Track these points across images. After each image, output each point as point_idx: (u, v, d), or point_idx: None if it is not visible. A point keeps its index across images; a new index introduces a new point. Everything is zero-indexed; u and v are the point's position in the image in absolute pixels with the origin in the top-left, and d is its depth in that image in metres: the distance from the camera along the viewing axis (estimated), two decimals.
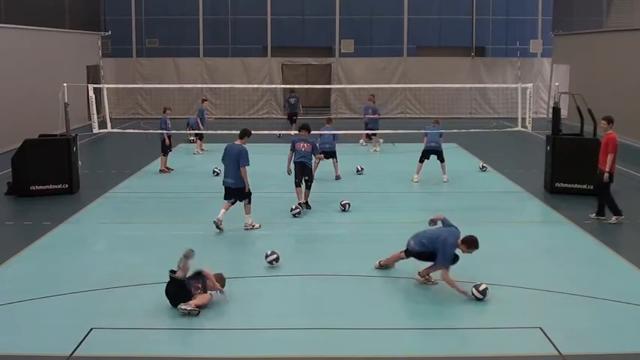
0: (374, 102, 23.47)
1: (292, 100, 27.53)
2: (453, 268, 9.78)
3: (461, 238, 9.83)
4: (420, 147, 18.09)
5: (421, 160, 17.74)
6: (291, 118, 27.58)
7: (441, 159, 17.77)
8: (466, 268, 10.94)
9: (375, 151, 22.71)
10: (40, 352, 7.99)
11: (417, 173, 17.67)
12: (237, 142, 13.06)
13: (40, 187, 15.95)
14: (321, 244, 12.42)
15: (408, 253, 10.30)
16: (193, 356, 8.00)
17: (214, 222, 12.96)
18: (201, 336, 8.46)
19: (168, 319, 8.92)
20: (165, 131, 19.03)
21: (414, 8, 34.45)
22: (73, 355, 7.85)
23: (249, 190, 13.12)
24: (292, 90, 27.72)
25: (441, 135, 17.93)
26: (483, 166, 19.35)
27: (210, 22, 34.59)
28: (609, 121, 13.65)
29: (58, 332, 8.49)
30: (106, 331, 8.52)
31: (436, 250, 9.80)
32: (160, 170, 19.14)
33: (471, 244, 9.74)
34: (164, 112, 19.74)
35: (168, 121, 19.38)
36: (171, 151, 19.49)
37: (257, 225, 13.19)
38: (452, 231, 10.01)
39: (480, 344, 8.26)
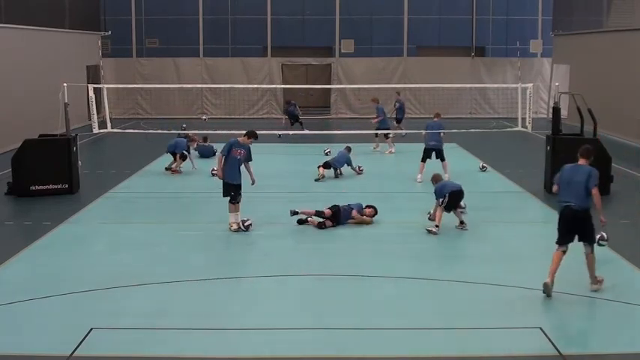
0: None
1: (291, 109, 26.75)
2: (452, 266, 9.75)
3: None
4: (419, 147, 18.10)
5: (423, 160, 17.70)
6: (294, 121, 26.65)
7: (442, 157, 17.73)
8: (466, 267, 10.97)
9: (391, 152, 22.58)
10: (40, 352, 7.99)
11: (420, 173, 17.61)
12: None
13: (40, 187, 15.94)
14: (322, 244, 12.41)
15: None
16: (193, 356, 7.99)
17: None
18: (201, 336, 8.46)
19: (169, 319, 8.92)
20: (187, 153, 19.28)
21: (414, 8, 34.45)
22: (73, 355, 7.85)
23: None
24: (289, 100, 27.49)
25: (441, 133, 17.82)
26: (483, 166, 19.32)
27: (210, 22, 34.59)
28: None
29: (58, 332, 8.48)
30: (106, 331, 8.51)
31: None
32: (170, 169, 19.08)
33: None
34: (190, 139, 19.85)
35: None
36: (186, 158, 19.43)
37: (234, 226, 13.05)
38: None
39: (480, 344, 8.25)
